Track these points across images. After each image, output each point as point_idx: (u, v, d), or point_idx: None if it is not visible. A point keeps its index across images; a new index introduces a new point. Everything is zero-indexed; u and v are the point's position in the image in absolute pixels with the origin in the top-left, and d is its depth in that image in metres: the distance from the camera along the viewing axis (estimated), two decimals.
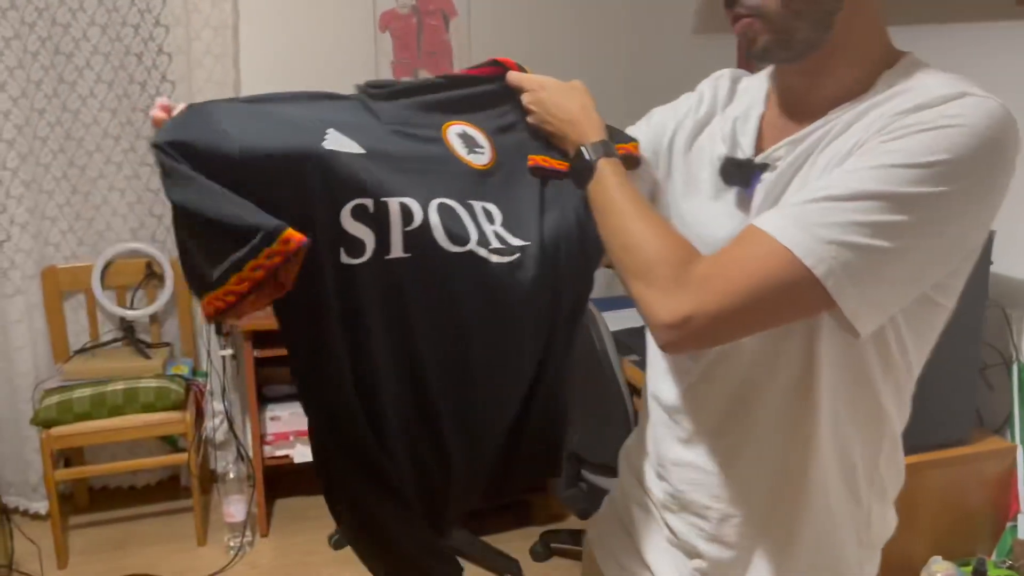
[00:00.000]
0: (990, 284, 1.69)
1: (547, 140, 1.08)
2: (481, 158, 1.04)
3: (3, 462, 2.89)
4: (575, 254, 1.03)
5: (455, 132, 1.04)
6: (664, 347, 0.87)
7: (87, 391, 2.64)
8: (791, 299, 0.82)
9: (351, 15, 3.02)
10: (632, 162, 1.06)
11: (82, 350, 2.89)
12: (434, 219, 0.95)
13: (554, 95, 1.07)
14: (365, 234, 0.92)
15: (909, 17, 2.01)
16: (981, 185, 0.79)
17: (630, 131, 1.13)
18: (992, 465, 1.78)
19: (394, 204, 0.92)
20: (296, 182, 0.88)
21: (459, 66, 3.15)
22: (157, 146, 0.84)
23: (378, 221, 0.92)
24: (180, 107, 0.90)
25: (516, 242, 1.00)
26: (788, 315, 0.85)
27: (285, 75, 2.99)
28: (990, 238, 1.67)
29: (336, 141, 0.91)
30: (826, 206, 0.80)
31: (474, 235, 0.98)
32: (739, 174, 0.96)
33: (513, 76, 1.11)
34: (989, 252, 1.67)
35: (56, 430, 2.58)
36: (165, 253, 2.94)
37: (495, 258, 0.98)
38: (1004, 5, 1.78)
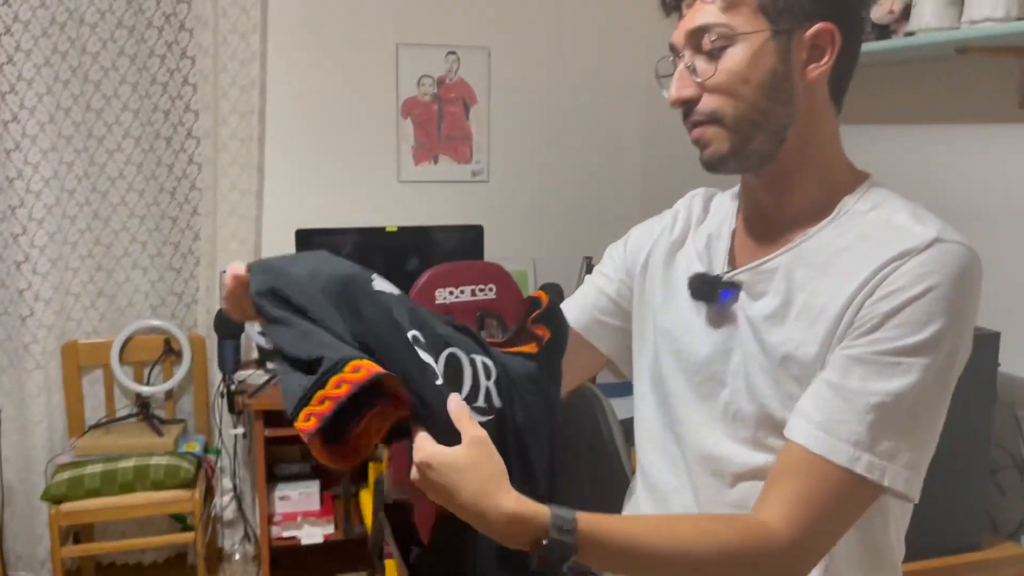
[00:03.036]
0: (998, 385, 1.66)
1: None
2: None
3: (13, 536, 2.90)
4: (531, 410, 0.98)
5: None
6: None
7: (99, 467, 2.65)
8: (863, 507, 0.87)
9: (375, 101, 3.11)
10: (559, 336, 0.98)
11: (96, 425, 2.91)
12: (440, 367, 0.93)
13: (445, 477, 0.81)
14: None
15: (915, 116, 2.04)
16: (969, 323, 0.87)
17: (610, 251, 1.15)
18: (1006, 572, 1.72)
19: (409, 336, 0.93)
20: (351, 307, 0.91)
21: (478, 151, 3.23)
22: (255, 296, 0.90)
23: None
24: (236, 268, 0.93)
25: (498, 403, 0.95)
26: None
27: (310, 158, 3.08)
28: (996, 339, 1.65)
29: (381, 283, 0.95)
30: (880, 418, 0.83)
31: (467, 387, 0.94)
32: (705, 290, 0.97)
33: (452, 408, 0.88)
34: (996, 353, 1.65)
35: (66, 506, 2.59)
36: (183, 330, 2.99)
37: (475, 416, 0.93)
38: (1006, 108, 1.80)
